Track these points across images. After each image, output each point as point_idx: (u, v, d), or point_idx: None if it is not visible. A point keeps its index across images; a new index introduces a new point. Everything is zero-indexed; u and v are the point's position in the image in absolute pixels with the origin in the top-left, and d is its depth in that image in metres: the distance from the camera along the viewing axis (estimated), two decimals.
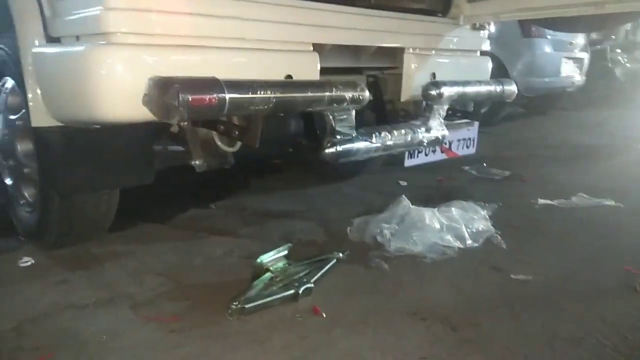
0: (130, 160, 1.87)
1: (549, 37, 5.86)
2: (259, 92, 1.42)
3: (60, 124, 1.63)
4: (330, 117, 1.75)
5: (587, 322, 1.69)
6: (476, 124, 2.77)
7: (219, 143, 1.87)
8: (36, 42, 1.61)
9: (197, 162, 1.86)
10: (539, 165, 4.09)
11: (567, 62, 6.19)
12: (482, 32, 2.61)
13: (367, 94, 1.78)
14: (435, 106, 2.18)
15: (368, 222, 2.41)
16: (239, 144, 1.85)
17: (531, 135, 5.70)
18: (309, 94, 1.58)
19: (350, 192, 3.22)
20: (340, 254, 2.09)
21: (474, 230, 2.36)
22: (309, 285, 1.80)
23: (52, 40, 1.60)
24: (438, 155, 2.62)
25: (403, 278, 2.00)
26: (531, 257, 2.22)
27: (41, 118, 1.65)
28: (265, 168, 3.77)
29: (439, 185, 3.45)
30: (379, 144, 1.91)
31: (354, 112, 1.80)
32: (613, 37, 8.45)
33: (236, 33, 1.58)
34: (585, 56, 6.66)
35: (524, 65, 5.76)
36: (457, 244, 2.26)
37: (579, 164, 4.17)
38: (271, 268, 1.86)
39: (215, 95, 1.31)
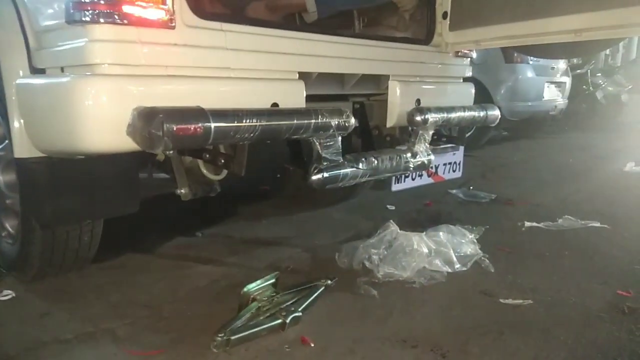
0: (114, 189, 1.85)
1: (531, 62, 5.99)
2: (244, 121, 1.43)
3: (43, 154, 1.62)
4: (317, 143, 1.75)
5: (577, 347, 1.68)
6: (461, 148, 2.80)
7: (204, 171, 1.86)
8: (20, 73, 1.61)
9: (182, 191, 1.85)
10: (525, 188, 4.12)
11: (550, 86, 6.31)
12: (465, 59, 2.66)
13: (352, 120, 1.79)
14: (420, 131, 2.20)
15: (356, 248, 2.40)
16: (224, 171, 1.85)
17: (515, 158, 5.76)
18: (295, 121, 1.59)
19: (339, 217, 3.21)
20: (329, 281, 2.07)
21: (462, 255, 2.36)
22: (297, 314, 1.78)
23: (37, 71, 1.60)
24: (425, 180, 2.64)
25: (392, 304, 1.98)
26: (520, 281, 2.21)
27: (24, 149, 1.63)
28: (252, 194, 3.75)
29: (427, 209, 3.46)
30: (365, 170, 1.92)
31: (340, 139, 1.81)
32: (593, 61, 8.65)
33: (221, 63, 1.60)
34: (567, 80, 6.80)
35: (507, 90, 5.87)
36: (446, 269, 2.25)
37: (565, 186, 4.21)
38: (258, 297, 1.83)
39: (200, 125, 1.31)
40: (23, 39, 1.60)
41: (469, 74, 2.73)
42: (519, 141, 7.21)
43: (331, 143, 1.78)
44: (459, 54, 2.58)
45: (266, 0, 2.26)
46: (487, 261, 2.38)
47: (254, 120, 1.45)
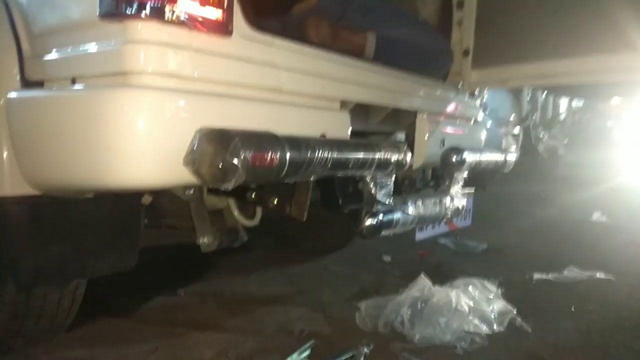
0: (114, 238, 1.47)
1: (487, 112, 6.12)
2: (317, 152, 1.14)
3: (33, 192, 1.23)
4: (371, 183, 1.48)
5: None
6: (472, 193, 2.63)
7: (236, 215, 1.52)
8: (8, 86, 1.23)
9: (204, 240, 1.48)
10: (510, 238, 4.02)
11: (506, 137, 6.49)
12: (477, 100, 2.54)
13: (409, 157, 1.54)
14: (455, 174, 2.00)
15: (379, 306, 2.10)
16: (259, 216, 1.52)
17: (483, 208, 5.72)
18: (362, 155, 1.32)
19: (336, 270, 2.90)
20: (365, 349, 1.75)
21: (497, 313, 2.13)
22: None
23: (29, 84, 1.24)
24: (442, 228, 2.42)
25: None
26: (564, 342, 2.01)
27: (7, 184, 1.23)
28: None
29: (423, 260, 3.24)
30: (414, 216, 1.66)
31: (393, 178, 1.55)
32: (535, 115, 9.08)
33: (273, 82, 1.31)
34: (520, 132, 7.04)
35: None
36: (485, 330, 2.00)
37: (545, 236, 4.17)
38: None
39: (276, 154, 1.01)
40: (15, 42, 1.24)
41: (480, 116, 2.61)
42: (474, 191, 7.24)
43: (385, 183, 1.52)
44: (474, 94, 2.46)
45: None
46: (519, 319, 2.16)
47: (326, 152, 1.17)
